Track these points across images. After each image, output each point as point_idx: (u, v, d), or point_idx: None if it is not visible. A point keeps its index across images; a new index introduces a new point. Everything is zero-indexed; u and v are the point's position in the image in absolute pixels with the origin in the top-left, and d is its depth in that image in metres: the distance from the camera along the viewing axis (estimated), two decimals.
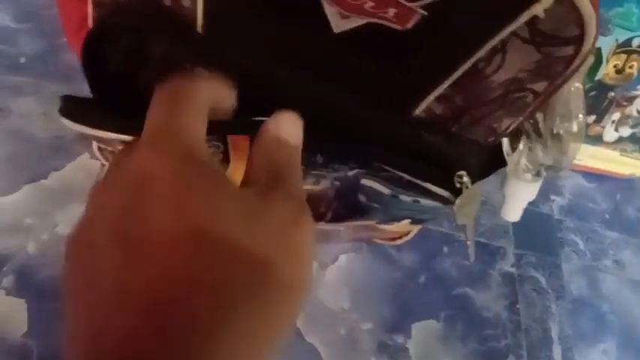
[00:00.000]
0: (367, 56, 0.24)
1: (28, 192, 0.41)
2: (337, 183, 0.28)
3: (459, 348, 0.43)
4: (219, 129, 0.25)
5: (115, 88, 0.26)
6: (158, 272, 0.15)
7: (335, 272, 0.44)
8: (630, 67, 0.50)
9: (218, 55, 0.24)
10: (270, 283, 0.17)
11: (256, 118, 0.24)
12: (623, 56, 0.49)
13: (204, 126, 0.20)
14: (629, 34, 0.47)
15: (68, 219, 0.41)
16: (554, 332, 0.47)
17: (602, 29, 0.46)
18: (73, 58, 0.48)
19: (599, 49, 0.48)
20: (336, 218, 0.32)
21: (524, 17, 0.21)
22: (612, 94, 0.51)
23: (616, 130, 0.55)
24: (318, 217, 0.31)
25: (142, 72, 0.27)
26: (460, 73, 0.24)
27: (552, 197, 0.57)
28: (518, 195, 0.32)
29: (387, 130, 0.28)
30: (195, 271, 0.15)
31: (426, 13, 0.22)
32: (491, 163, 0.31)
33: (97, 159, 0.42)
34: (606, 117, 0.53)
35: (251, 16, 0.23)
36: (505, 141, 0.30)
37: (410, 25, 0.22)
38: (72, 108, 0.24)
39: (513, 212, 0.32)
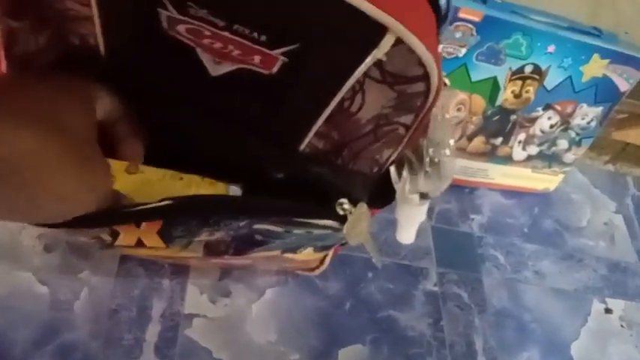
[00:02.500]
0: (245, 97, 0.27)
1: None
2: (232, 232, 0.30)
3: None
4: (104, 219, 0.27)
5: None
6: None
7: (262, 306, 0.46)
8: (527, 92, 0.54)
9: (119, 76, 0.27)
10: None
11: (140, 208, 0.27)
12: (519, 82, 0.53)
13: None
14: (520, 62, 0.51)
15: None
16: (479, 345, 0.49)
17: (495, 59, 0.50)
18: None
19: (495, 78, 0.52)
20: (238, 252, 0.33)
21: (370, 61, 0.23)
22: (514, 117, 0.55)
23: (524, 149, 0.59)
24: (221, 253, 0.33)
25: None
26: (329, 111, 0.26)
27: (472, 216, 0.60)
28: (408, 218, 0.34)
29: (277, 164, 0.30)
30: None
31: (287, 59, 0.24)
32: (383, 192, 0.33)
33: None
34: (512, 138, 0.57)
35: (141, 54, 0.26)
36: (392, 169, 0.33)
37: (275, 70, 0.25)
38: None
39: (407, 235, 0.35)
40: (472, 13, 0.46)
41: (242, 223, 0.30)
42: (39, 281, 0.42)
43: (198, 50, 0.25)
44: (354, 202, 0.30)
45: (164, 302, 0.43)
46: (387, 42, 0.23)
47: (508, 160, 0.60)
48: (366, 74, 0.24)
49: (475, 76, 0.51)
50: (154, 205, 0.27)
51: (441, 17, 0.26)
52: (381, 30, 0.22)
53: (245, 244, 0.32)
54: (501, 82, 0.52)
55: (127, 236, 0.30)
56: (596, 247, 0.64)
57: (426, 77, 0.25)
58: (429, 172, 0.31)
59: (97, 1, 0.25)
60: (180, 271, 0.45)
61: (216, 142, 0.30)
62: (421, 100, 0.27)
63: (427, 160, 0.31)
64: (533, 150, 0.60)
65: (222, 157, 0.30)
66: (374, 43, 0.23)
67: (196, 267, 0.45)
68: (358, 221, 0.30)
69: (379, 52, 0.23)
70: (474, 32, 0.47)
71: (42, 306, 0.41)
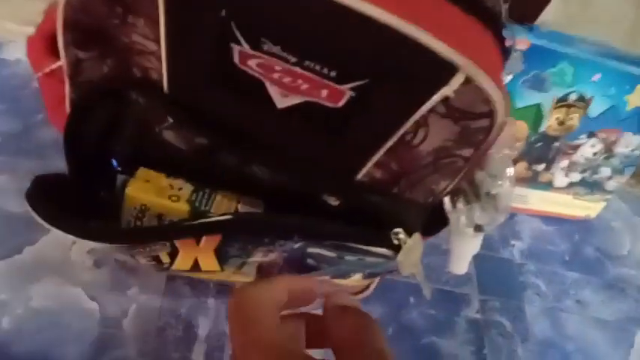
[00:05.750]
0: (308, 128, 0.28)
1: (2, 267, 0.43)
2: (285, 254, 0.31)
3: None
4: (170, 234, 0.28)
5: (90, 163, 0.30)
6: None
7: None
8: (571, 119, 0.54)
9: (184, 111, 0.28)
10: None
11: (202, 221, 0.28)
12: (563, 109, 0.53)
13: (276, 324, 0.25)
14: (565, 90, 0.51)
15: (42, 293, 0.42)
16: None
17: (540, 87, 0.50)
18: (46, 136, 0.50)
19: (539, 105, 0.52)
20: None
21: (437, 97, 0.24)
22: (557, 144, 0.55)
23: (566, 175, 0.59)
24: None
25: (117, 140, 0.31)
26: (391, 143, 0.27)
27: (512, 242, 0.59)
28: (461, 249, 0.34)
29: (334, 193, 0.31)
30: None
31: (354, 94, 0.25)
32: (435, 220, 0.34)
33: None
34: (554, 165, 0.57)
35: (207, 88, 0.27)
36: (446, 199, 0.33)
37: (341, 103, 0.25)
38: (39, 197, 0.27)
39: (459, 265, 0.35)
40: (519, 41, 0.47)
41: (296, 245, 0.30)
42: (88, 297, 0.43)
43: (267, 83, 0.26)
44: (408, 232, 0.31)
45: (210, 322, 0.44)
46: (457, 80, 0.23)
47: (549, 186, 0.59)
48: (431, 109, 0.25)
49: (519, 103, 0.51)
50: (215, 218, 0.28)
51: (506, 55, 0.26)
52: (452, 68, 0.23)
53: (296, 269, 0.33)
54: (545, 109, 0.52)
55: (184, 256, 0.31)
56: (638, 277, 0.63)
57: (491, 114, 0.25)
58: (486, 205, 0.31)
59: (166, 37, 0.25)
60: (225, 290, 0.46)
61: (276, 170, 0.30)
62: (483, 135, 0.27)
63: (484, 192, 0.31)
64: (575, 177, 0.59)
65: (280, 184, 0.31)
66: (444, 81, 0.23)
67: None
68: (411, 251, 0.30)
69: (448, 90, 0.23)
70: (521, 60, 0.48)
71: (91, 322, 0.42)
